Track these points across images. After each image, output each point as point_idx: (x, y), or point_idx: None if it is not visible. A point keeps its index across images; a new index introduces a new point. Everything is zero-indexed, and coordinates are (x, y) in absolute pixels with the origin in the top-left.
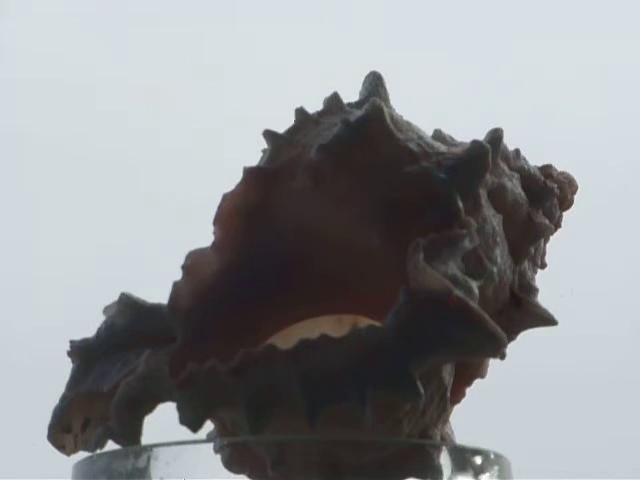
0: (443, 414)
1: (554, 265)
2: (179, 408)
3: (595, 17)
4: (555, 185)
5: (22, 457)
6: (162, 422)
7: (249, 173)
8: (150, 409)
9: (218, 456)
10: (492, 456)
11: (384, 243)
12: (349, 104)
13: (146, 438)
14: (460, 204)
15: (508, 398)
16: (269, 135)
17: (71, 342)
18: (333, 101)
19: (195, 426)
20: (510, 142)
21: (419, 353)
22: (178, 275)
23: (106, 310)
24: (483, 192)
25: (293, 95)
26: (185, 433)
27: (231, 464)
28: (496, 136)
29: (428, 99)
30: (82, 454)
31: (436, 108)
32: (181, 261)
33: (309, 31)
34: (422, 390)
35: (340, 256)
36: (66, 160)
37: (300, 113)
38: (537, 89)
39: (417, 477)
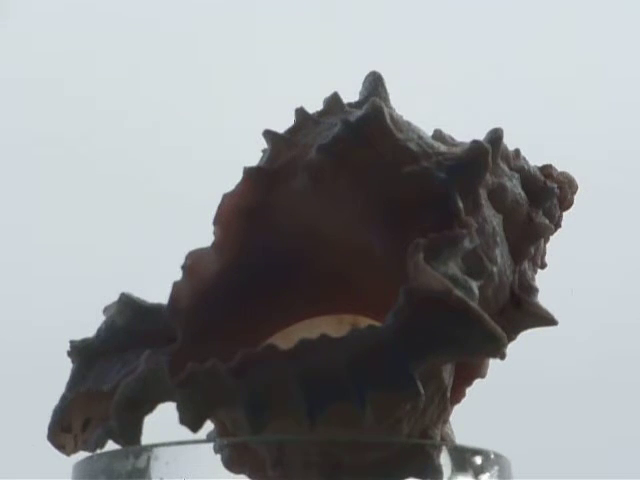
0: (443, 414)
1: (554, 265)
2: (179, 408)
3: (595, 17)
4: (555, 185)
5: (22, 457)
6: (162, 422)
7: (249, 173)
8: (150, 409)
9: (218, 456)
10: (492, 456)
11: (384, 243)
12: (349, 104)
13: (146, 438)
14: (460, 204)
15: (508, 398)
16: (269, 135)
17: (71, 342)
18: (333, 101)
19: (195, 426)
20: (510, 142)
21: (419, 353)
22: (178, 275)
23: (106, 310)
24: (483, 192)
25: (293, 95)
26: (185, 433)
27: (231, 464)
28: (496, 136)
29: (428, 99)
30: (82, 454)
31: (436, 108)
32: (181, 261)
33: (309, 31)
34: (422, 390)
35: (340, 256)
36: (66, 160)
37: (300, 113)
38: (537, 88)
39: (417, 477)
